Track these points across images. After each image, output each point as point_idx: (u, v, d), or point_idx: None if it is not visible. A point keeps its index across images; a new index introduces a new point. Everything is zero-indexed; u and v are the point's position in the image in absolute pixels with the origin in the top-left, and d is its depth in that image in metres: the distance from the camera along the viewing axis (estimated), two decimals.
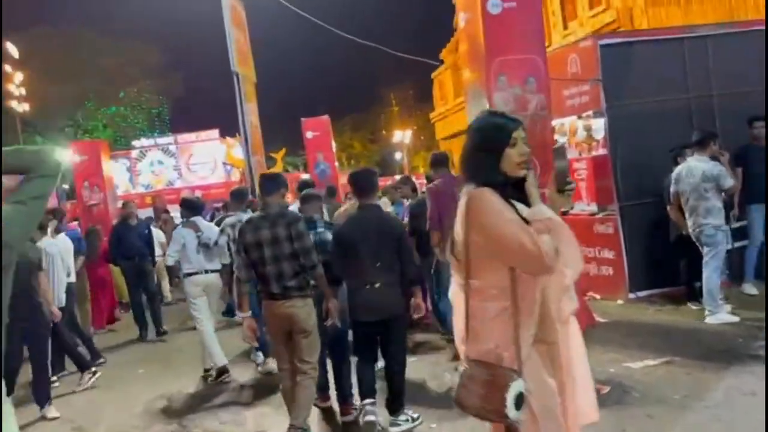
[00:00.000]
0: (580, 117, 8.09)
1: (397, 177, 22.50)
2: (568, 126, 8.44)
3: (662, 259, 7.15)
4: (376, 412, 4.25)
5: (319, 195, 5.12)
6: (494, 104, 6.38)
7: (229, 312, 8.34)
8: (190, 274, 6.29)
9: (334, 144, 15.21)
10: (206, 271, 6.29)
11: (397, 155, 50.47)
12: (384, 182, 14.91)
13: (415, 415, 4.26)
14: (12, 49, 28.26)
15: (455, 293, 2.31)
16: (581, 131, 8.34)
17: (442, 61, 33.97)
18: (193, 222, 6.45)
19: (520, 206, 2.19)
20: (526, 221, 2.13)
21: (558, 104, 7.29)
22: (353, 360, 4.50)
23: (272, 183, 4.26)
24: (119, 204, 12.70)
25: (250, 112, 9.54)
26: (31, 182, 1.97)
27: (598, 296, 7.54)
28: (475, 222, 2.14)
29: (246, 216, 6.17)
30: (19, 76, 28.85)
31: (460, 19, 6.84)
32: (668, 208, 6.81)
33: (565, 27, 23.42)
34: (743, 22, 10.64)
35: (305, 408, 4.09)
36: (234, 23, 9.32)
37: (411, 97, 54.96)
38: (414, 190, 7.35)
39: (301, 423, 4.00)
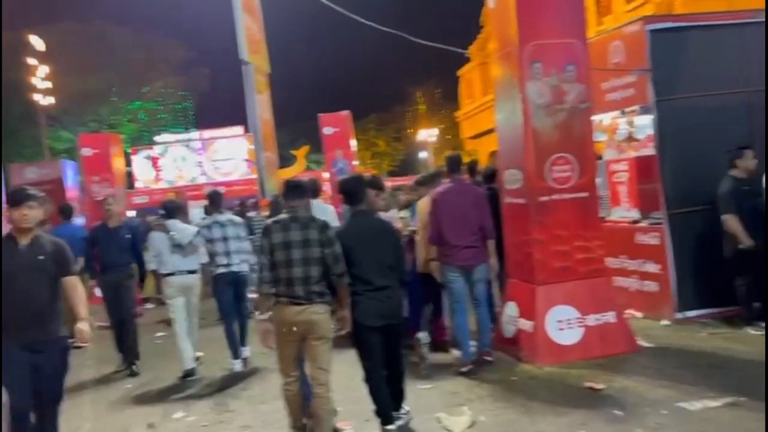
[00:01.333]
0: (623, 113, 7.25)
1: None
2: (607, 123, 7.60)
3: (716, 275, 6.29)
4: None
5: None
6: (527, 96, 5.60)
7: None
8: (165, 275, 6.38)
9: (353, 142, 14.49)
10: (182, 272, 6.33)
11: (422, 154, 49.74)
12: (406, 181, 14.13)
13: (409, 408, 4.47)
14: (37, 42, 28.05)
15: None
16: (623, 129, 7.50)
17: (468, 58, 33.17)
18: (162, 224, 6.56)
19: None
20: None
21: (595, 99, 6.46)
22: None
23: (298, 191, 4.23)
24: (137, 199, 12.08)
25: (261, 105, 8.88)
26: None
27: (639, 314, 6.72)
28: None
29: (223, 217, 6.51)
30: (44, 70, 28.72)
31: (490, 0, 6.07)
32: (724, 217, 5.96)
33: (599, 23, 22.45)
34: None
35: (328, 420, 4.08)
36: (245, 9, 8.67)
37: (437, 96, 54.14)
38: (414, 191, 6.60)
39: None
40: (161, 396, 5.77)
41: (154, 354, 7.37)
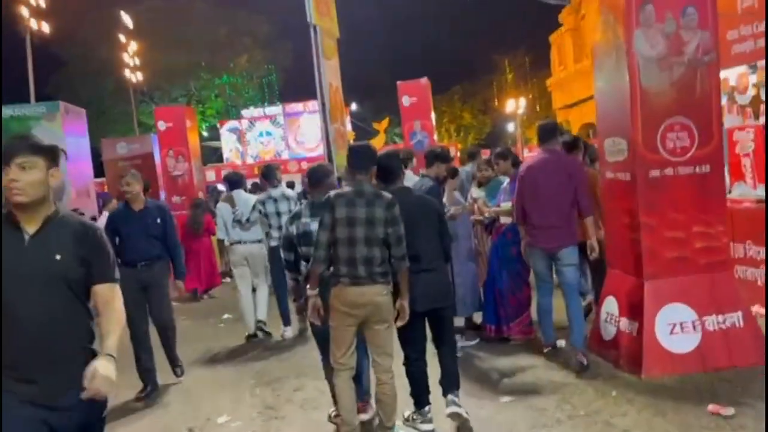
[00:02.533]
0: (752, 68, 6.01)
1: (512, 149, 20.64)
2: (734, 80, 6.35)
3: None
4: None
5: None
6: (635, 48, 4.56)
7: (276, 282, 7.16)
8: (231, 244, 6.96)
9: (434, 115, 13.58)
10: (245, 242, 6.78)
11: (510, 126, 47.89)
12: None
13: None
14: (126, 19, 28.61)
15: None
16: (750, 89, 6.26)
17: (560, 23, 31.27)
18: (230, 196, 7.06)
19: None
20: None
21: (719, 51, 5.29)
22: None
23: (362, 158, 3.85)
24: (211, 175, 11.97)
25: (329, 71, 8.15)
26: None
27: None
28: None
29: (277, 192, 6.51)
30: (133, 47, 29.33)
31: None
32: None
33: None
34: None
35: (394, 407, 3.86)
36: None
37: (526, 64, 51.84)
38: (516, 164, 5.70)
39: (394, 421, 3.88)
40: (210, 393, 5.21)
41: (213, 338, 6.93)
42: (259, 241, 6.75)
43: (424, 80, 13.18)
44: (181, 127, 13.14)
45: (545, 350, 5.15)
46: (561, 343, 5.18)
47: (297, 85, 40.28)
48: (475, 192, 6.02)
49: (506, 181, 5.72)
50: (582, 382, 4.54)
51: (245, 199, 6.91)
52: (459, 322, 6.00)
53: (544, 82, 40.86)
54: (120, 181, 5.35)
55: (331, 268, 3.76)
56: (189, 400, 5.10)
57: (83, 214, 15.46)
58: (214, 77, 39.59)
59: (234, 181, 7.29)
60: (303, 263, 4.06)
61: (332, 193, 3.84)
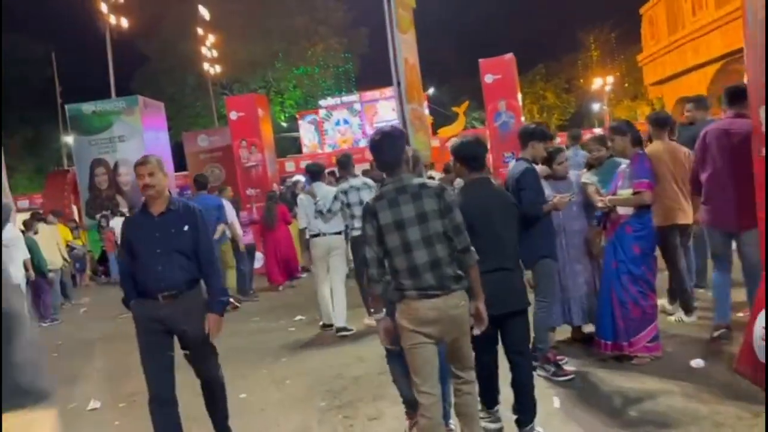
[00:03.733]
0: None
1: (596, 131, 19.12)
2: None
3: None
4: None
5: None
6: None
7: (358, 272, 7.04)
8: (312, 237, 6.80)
9: (520, 95, 12.49)
10: (325, 234, 6.64)
11: (595, 106, 45.52)
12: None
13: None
14: (203, 12, 28.75)
15: None
16: None
17: None
18: (311, 189, 6.97)
19: None
20: None
21: None
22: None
23: (392, 147, 3.22)
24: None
25: (404, 46, 7.32)
26: None
27: None
28: None
29: (357, 181, 6.37)
30: (210, 39, 29.49)
31: None
32: None
33: None
34: None
35: (478, 419, 3.45)
36: None
37: (613, 40, 49.13)
38: (637, 142, 4.68)
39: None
40: (274, 413, 4.52)
41: (283, 343, 6.30)
42: (340, 233, 6.71)
43: (509, 56, 12.12)
44: (253, 116, 12.69)
45: (715, 333, 4.68)
46: (698, 362, 4.19)
47: (374, 72, 39.76)
48: (585, 176, 5.03)
49: (624, 163, 4.71)
50: (731, 413, 3.55)
51: (326, 190, 6.82)
52: (562, 335, 5.09)
53: (633, 58, 38.50)
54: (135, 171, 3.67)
55: (391, 282, 3.17)
56: (249, 420, 4.43)
57: None
58: (292, 68, 39.51)
59: (314, 173, 7.23)
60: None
61: (370, 200, 3.28)
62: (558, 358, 4.50)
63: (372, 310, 3.37)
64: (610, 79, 41.71)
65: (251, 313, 8.31)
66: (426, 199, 3.11)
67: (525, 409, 3.58)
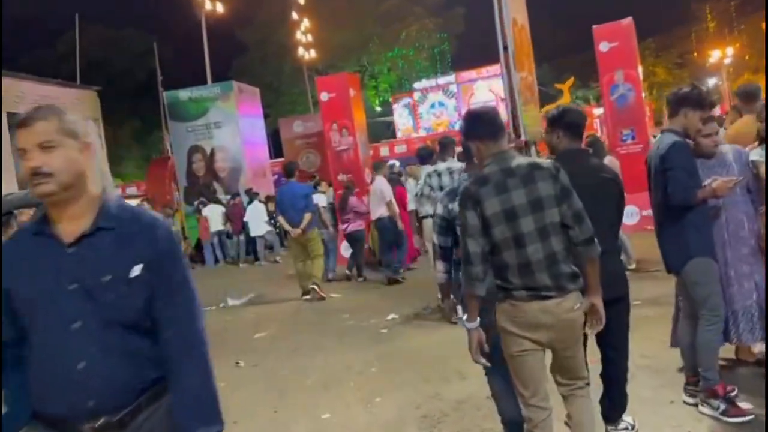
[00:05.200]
0: None
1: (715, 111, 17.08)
2: None
3: None
4: None
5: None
6: None
7: None
8: (422, 218, 6.80)
9: (641, 67, 11.15)
10: (428, 216, 6.44)
11: (711, 81, 42.00)
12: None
13: (632, 420, 3.30)
14: None
15: None
16: None
17: None
18: (414, 170, 7.81)
19: None
20: None
21: None
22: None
23: (493, 122, 2.80)
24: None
25: (512, 4, 6.33)
26: None
27: None
28: None
29: (442, 166, 6.11)
30: (305, 23, 29.31)
31: None
32: None
33: None
34: None
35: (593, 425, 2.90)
36: None
37: (731, 9, 45.20)
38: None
39: None
40: None
41: (371, 352, 5.56)
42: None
43: (627, 21, 10.79)
44: (345, 96, 12.00)
45: None
46: None
47: (471, 52, 38.45)
48: (756, 152, 3.91)
49: None
50: None
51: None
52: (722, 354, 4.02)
53: (755, 28, 35.10)
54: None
55: (495, 280, 2.75)
56: None
57: (257, 193, 15.12)
58: (386, 51, 38.91)
59: (423, 156, 7.28)
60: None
61: (470, 183, 2.79)
62: (728, 389, 3.45)
63: (464, 315, 2.83)
64: (729, 51, 38.31)
65: (338, 306, 7.73)
66: (540, 182, 2.68)
67: (613, 405, 3.25)
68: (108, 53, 34.48)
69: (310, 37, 30.06)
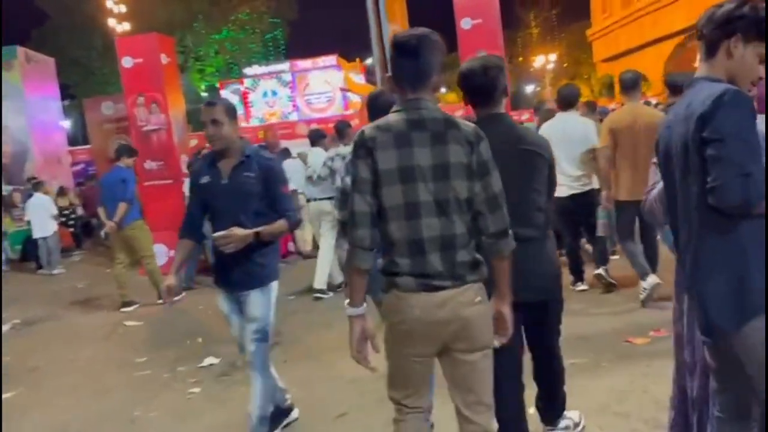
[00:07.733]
0: None
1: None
2: None
3: None
4: None
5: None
6: None
7: None
8: (308, 201, 7.19)
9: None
10: (316, 199, 6.91)
11: (529, 87, 44.35)
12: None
13: (577, 418, 3.16)
14: None
15: None
16: None
17: None
18: (303, 153, 7.98)
19: None
20: None
21: None
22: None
23: (433, 48, 2.24)
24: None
25: None
26: None
27: None
28: None
29: (344, 150, 5.83)
30: None
31: None
32: None
33: None
34: None
35: None
36: None
37: (553, 18, 48.00)
38: None
39: None
40: None
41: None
42: (330, 198, 6.49)
43: None
44: (155, 62, 9.58)
45: None
46: None
47: (304, 41, 36.95)
48: None
49: None
50: None
51: (319, 156, 6.94)
52: None
53: (574, 36, 37.27)
54: None
55: (380, 260, 2.27)
56: None
57: (41, 183, 12.06)
58: (213, 32, 35.93)
59: (313, 139, 7.59)
60: None
61: (367, 127, 2.24)
62: None
63: (347, 300, 2.28)
64: (552, 57, 40.40)
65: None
66: (452, 144, 2.20)
67: (552, 403, 3.07)
68: None
69: (123, 8, 26.39)
